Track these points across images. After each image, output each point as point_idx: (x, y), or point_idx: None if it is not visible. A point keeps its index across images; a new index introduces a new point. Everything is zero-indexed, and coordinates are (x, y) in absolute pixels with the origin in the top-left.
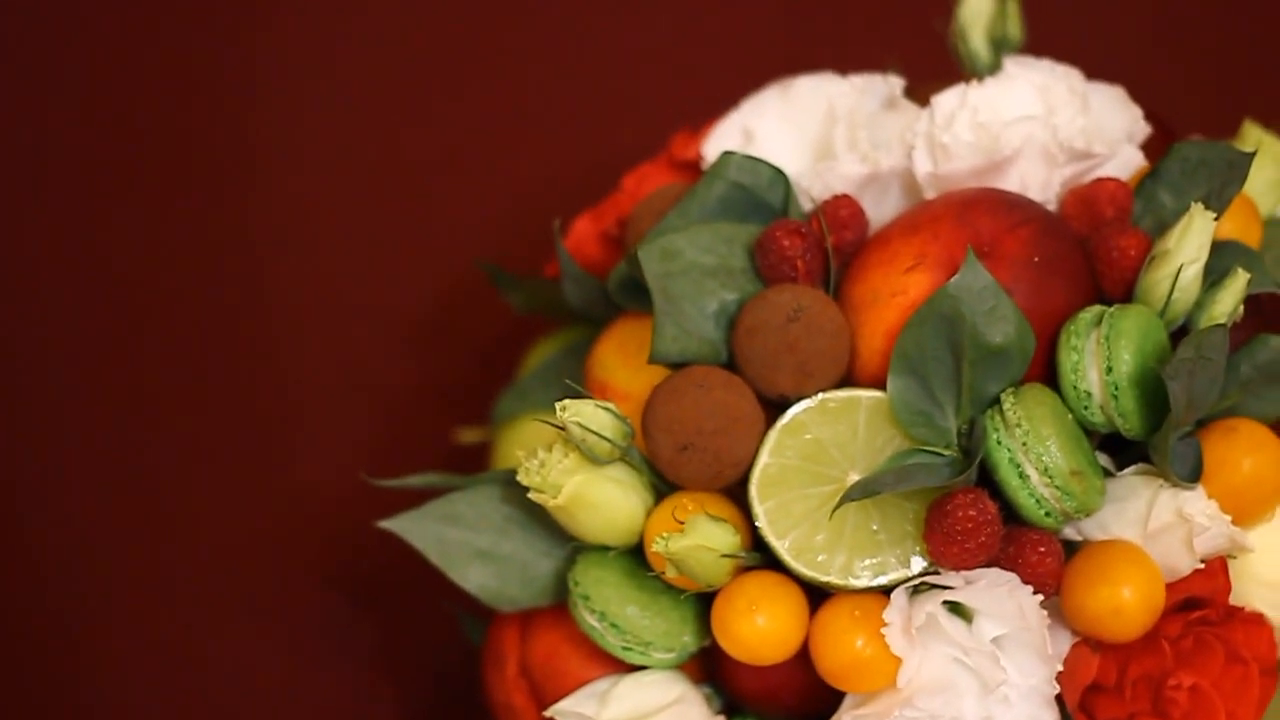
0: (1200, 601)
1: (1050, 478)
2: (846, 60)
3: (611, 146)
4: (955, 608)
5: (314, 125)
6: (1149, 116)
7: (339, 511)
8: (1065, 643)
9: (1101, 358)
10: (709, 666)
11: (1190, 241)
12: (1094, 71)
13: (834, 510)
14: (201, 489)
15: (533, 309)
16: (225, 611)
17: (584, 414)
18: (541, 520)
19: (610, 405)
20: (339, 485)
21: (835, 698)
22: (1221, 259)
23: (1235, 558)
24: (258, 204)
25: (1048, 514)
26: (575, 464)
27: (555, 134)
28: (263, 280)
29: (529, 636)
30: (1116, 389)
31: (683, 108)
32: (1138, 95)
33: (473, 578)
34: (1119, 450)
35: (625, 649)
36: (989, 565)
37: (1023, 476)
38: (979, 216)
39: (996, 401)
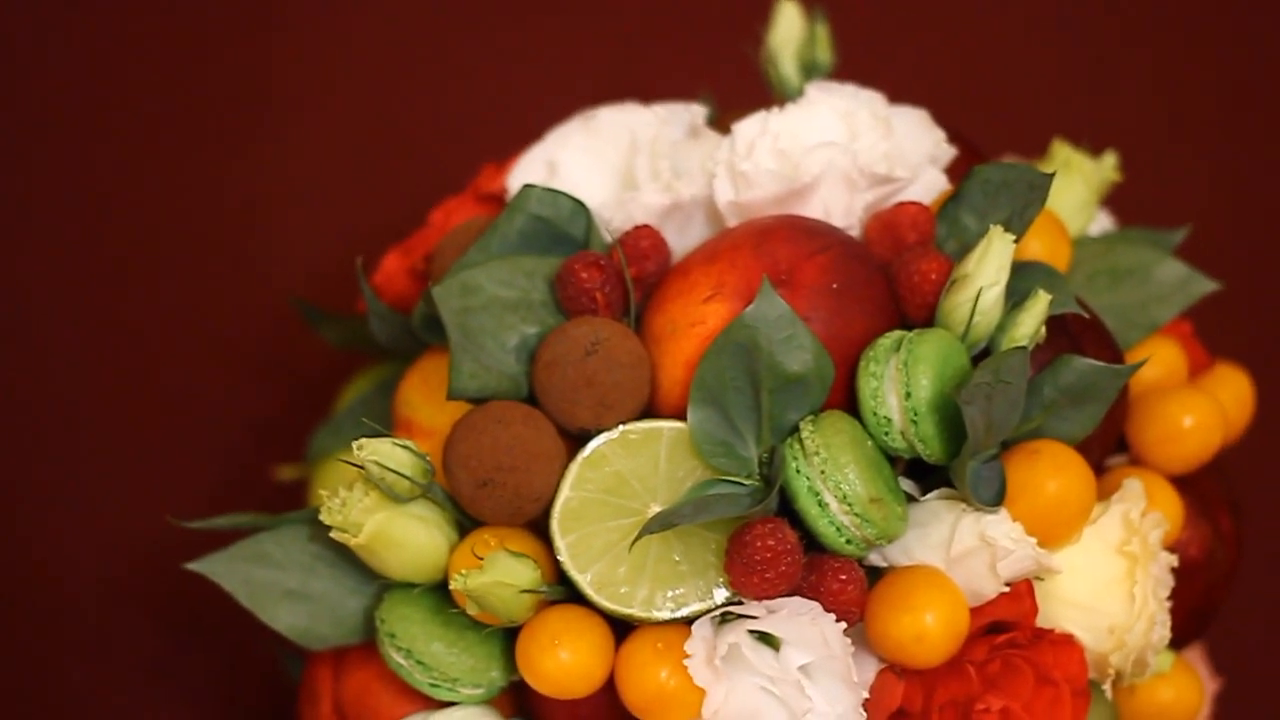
0: (1007, 625)
1: (849, 505)
2: (659, 90)
3: (430, 180)
4: (765, 637)
5: (135, 157)
6: (955, 139)
7: (166, 551)
8: (871, 669)
9: (900, 383)
10: (520, 702)
11: (990, 264)
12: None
13: (633, 543)
14: (24, 525)
15: (348, 345)
16: (51, 652)
17: (381, 452)
18: (349, 559)
19: (409, 443)
20: (163, 524)
21: None
22: (1025, 280)
23: (1043, 580)
24: (76, 232)
25: (849, 541)
26: (376, 502)
27: (379, 166)
28: (85, 316)
29: (341, 674)
30: (916, 414)
31: (500, 140)
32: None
33: (282, 618)
34: (924, 475)
35: (433, 685)
36: (791, 594)
37: (822, 505)
38: (777, 244)
39: (797, 429)
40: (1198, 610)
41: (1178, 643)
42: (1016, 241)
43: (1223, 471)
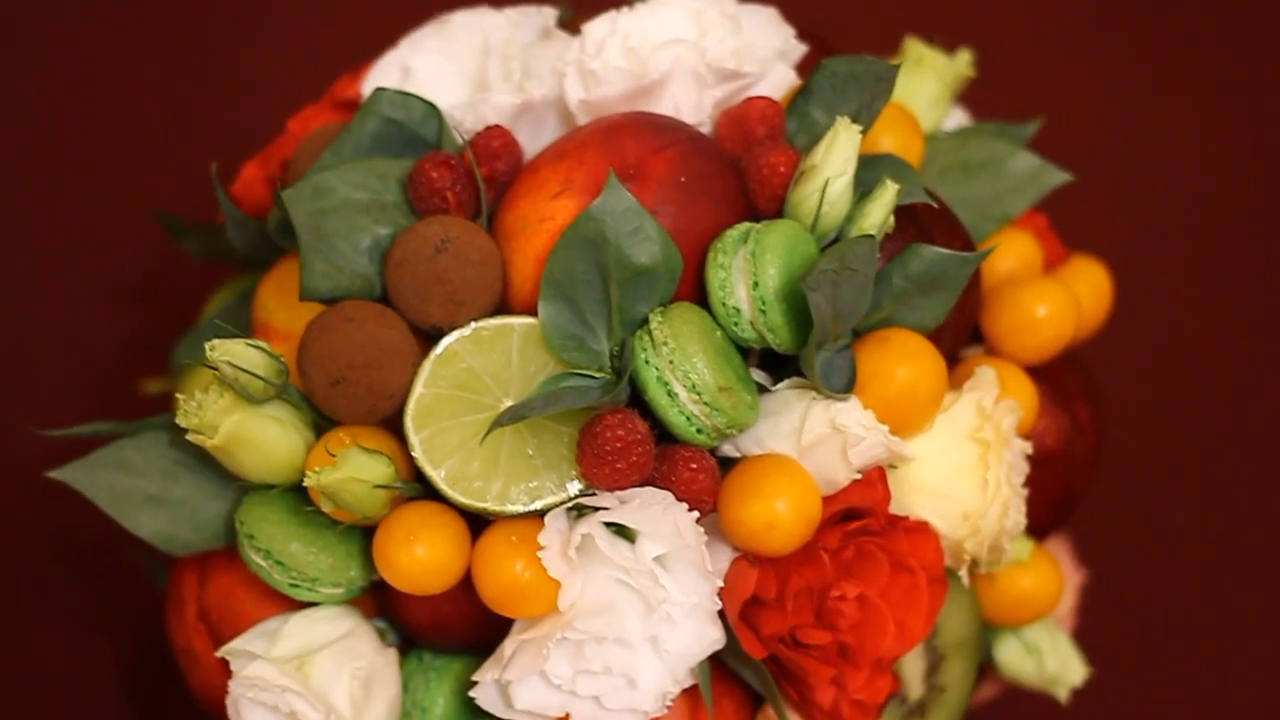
0: (860, 512)
1: (698, 394)
2: None
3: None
4: (622, 530)
5: None
6: (805, 35)
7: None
8: (726, 559)
9: (749, 273)
10: (382, 601)
11: (836, 155)
12: None
13: (485, 436)
14: None
15: (209, 256)
16: None
17: (234, 353)
18: (210, 464)
19: (261, 344)
20: (36, 442)
21: (505, 625)
22: (874, 172)
23: (896, 468)
24: None
25: (699, 431)
26: (231, 404)
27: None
28: None
29: (206, 580)
30: (764, 304)
31: (359, 48)
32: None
33: (144, 524)
34: (777, 366)
35: (293, 586)
36: (644, 485)
37: (671, 394)
38: (624, 140)
39: (647, 321)
40: (1058, 500)
41: (1039, 533)
42: (864, 133)
43: (1080, 363)
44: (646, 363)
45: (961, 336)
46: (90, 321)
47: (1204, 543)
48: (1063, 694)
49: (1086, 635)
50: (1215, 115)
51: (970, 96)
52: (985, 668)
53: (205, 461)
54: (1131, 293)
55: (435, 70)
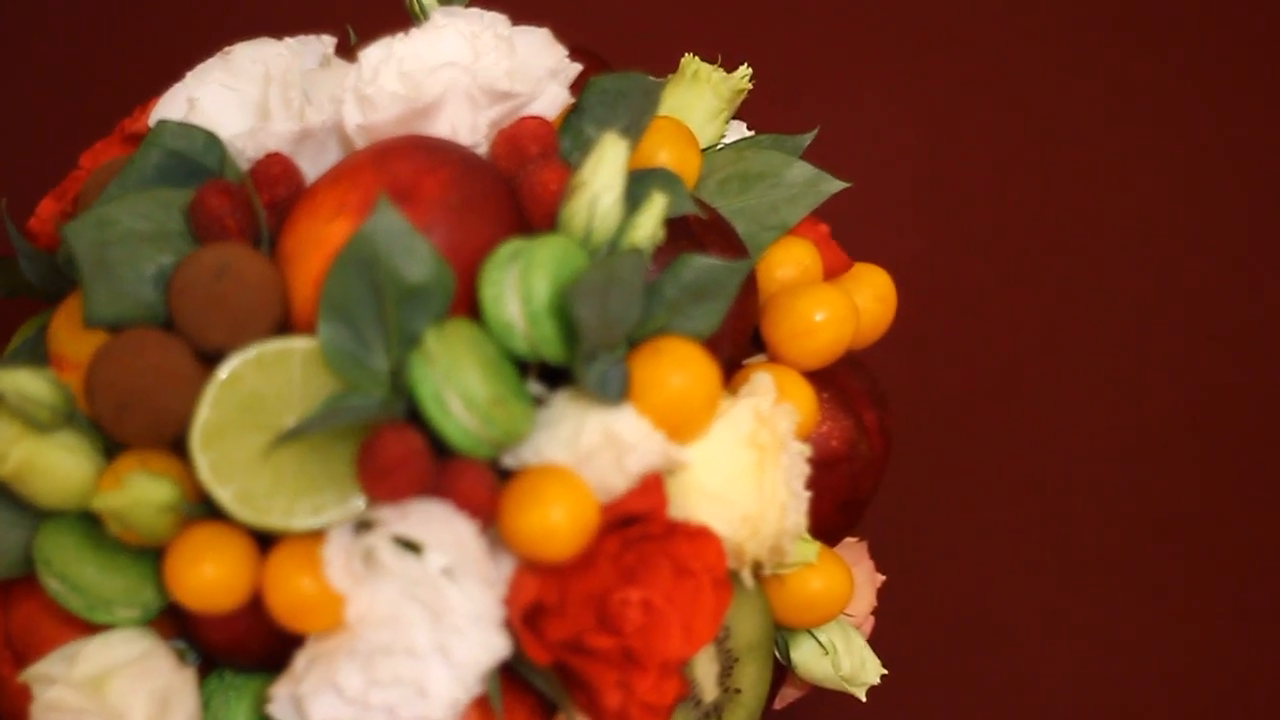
0: (639, 518)
1: (473, 407)
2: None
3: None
4: (410, 545)
5: None
6: (580, 54)
7: None
8: (509, 567)
9: (520, 289)
10: (180, 623)
11: (604, 170)
12: None
13: (267, 453)
14: None
15: (14, 292)
16: None
17: (18, 382)
18: (8, 493)
19: (46, 372)
20: None
21: (300, 642)
22: (645, 186)
23: (674, 473)
24: None
25: (476, 443)
26: (19, 433)
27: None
28: None
29: (9, 607)
30: (535, 318)
31: (154, 83)
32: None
33: None
34: (559, 379)
35: (90, 609)
36: (424, 497)
37: (446, 408)
38: (397, 162)
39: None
40: (846, 502)
41: (831, 536)
42: (633, 147)
43: (865, 368)
44: (422, 378)
45: (741, 344)
46: None
47: (1004, 543)
48: (860, 693)
49: (885, 637)
50: (1007, 117)
51: (752, 112)
52: (784, 669)
53: (3, 491)
54: (924, 297)
55: (219, 101)
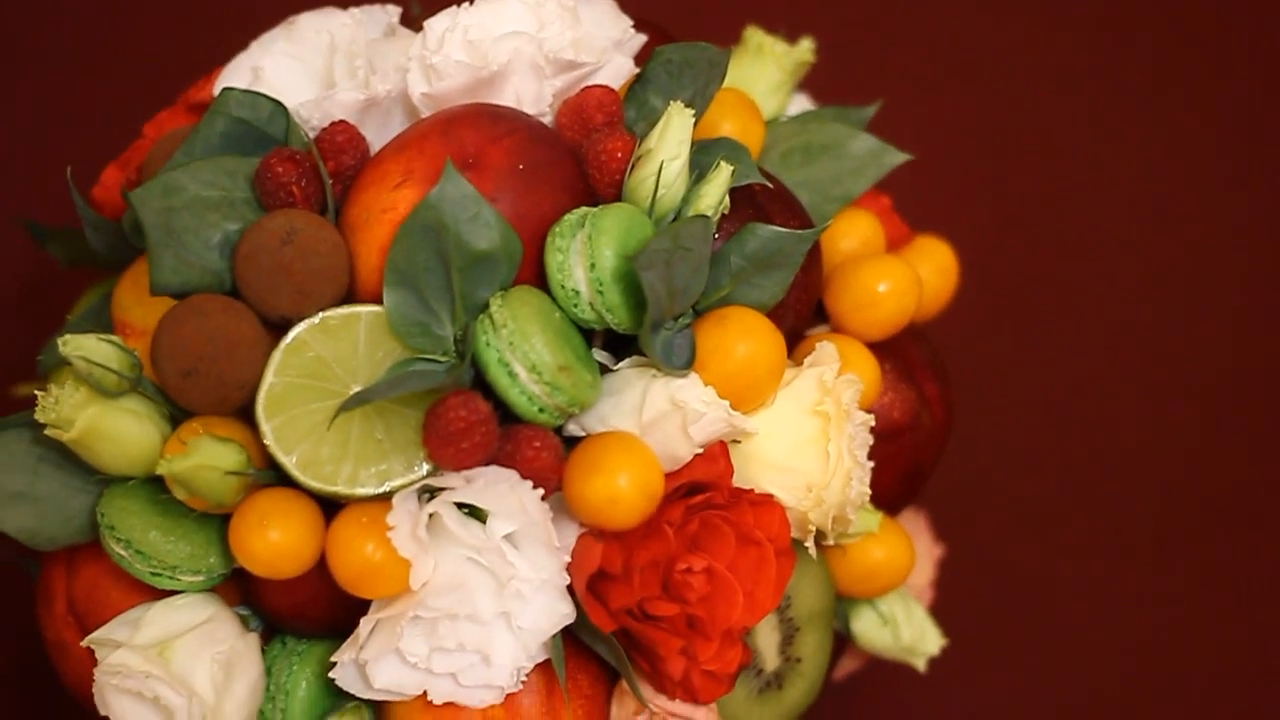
0: (703, 486)
1: (538, 374)
2: None
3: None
4: (474, 510)
5: None
6: (644, 25)
7: None
8: (573, 535)
9: (586, 256)
10: (244, 589)
11: (670, 138)
12: None
13: (333, 420)
14: None
15: (75, 261)
16: None
17: (86, 347)
18: (73, 459)
19: (113, 338)
20: None
21: (363, 608)
22: (710, 156)
23: (738, 442)
24: None
25: (541, 410)
26: (86, 398)
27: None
28: None
29: (73, 573)
30: (601, 285)
31: (215, 53)
32: None
33: (10, 520)
34: (622, 347)
35: (154, 574)
36: (489, 464)
37: (512, 375)
38: (463, 130)
39: (488, 306)
40: (907, 473)
41: (892, 506)
42: (698, 117)
43: (926, 339)
44: (488, 345)
45: (804, 314)
46: None
47: (1062, 516)
48: (920, 664)
49: (945, 608)
50: (1071, 88)
51: (815, 83)
52: (844, 640)
53: (69, 457)
54: (984, 272)
55: (284, 70)
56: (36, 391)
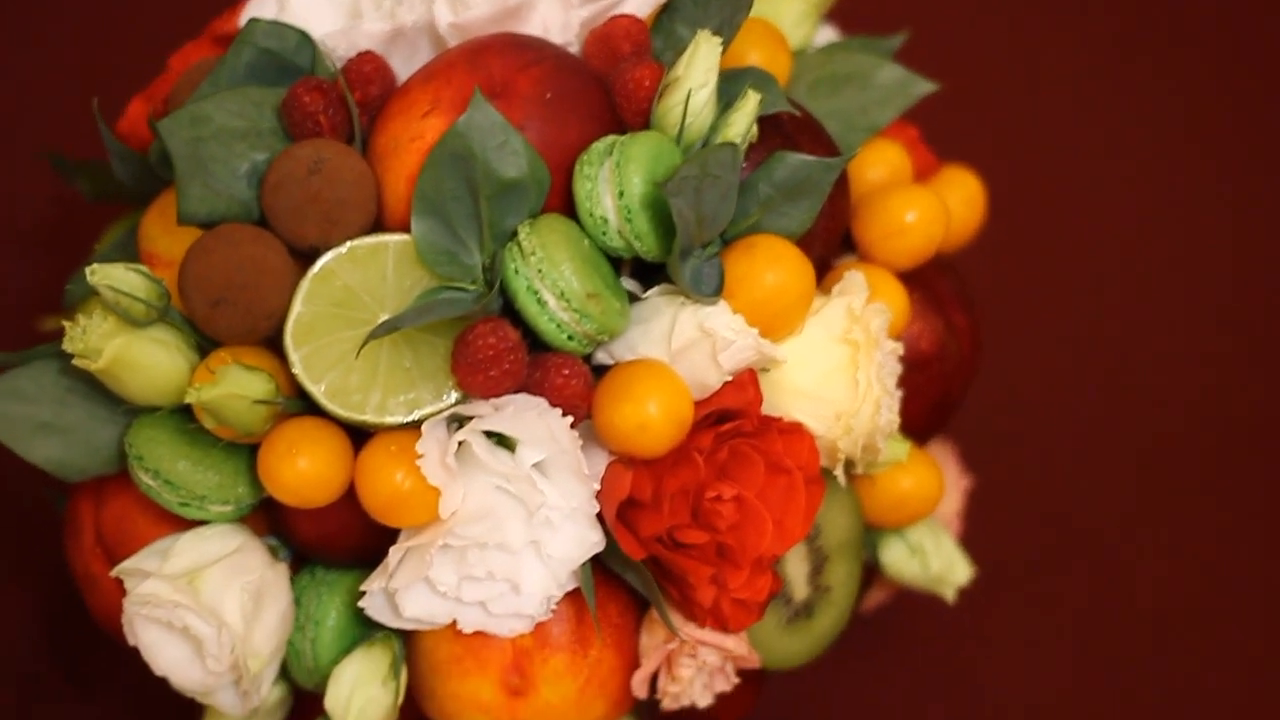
0: (732, 414)
1: (567, 301)
2: None
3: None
4: (503, 439)
5: None
6: None
7: None
8: (603, 462)
9: (614, 183)
10: (273, 520)
11: (698, 67)
12: None
13: (361, 348)
14: None
15: (101, 195)
16: None
17: (113, 277)
18: (101, 390)
19: (141, 267)
20: None
21: (392, 538)
22: (737, 85)
23: (767, 370)
24: None
25: (570, 337)
26: (114, 327)
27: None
28: None
29: (101, 504)
30: (629, 212)
31: None
32: None
33: (38, 451)
34: (650, 275)
35: (182, 504)
36: (518, 392)
37: (540, 302)
38: (490, 59)
39: (516, 234)
40: (936, 402)
41: (920, 436)
42: (726, 45)
43: (954, 270)
44: (516, 273)
45: (832, 244)
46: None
47: (1089, 448)
48: (949, 594)
49: (973, 539)
50: (1101, 18)
51: (842, 14)
52: (873, 571)
53: (97, 388)
54: (1012, 203)
55: (309, 1)
56: (64, 322)
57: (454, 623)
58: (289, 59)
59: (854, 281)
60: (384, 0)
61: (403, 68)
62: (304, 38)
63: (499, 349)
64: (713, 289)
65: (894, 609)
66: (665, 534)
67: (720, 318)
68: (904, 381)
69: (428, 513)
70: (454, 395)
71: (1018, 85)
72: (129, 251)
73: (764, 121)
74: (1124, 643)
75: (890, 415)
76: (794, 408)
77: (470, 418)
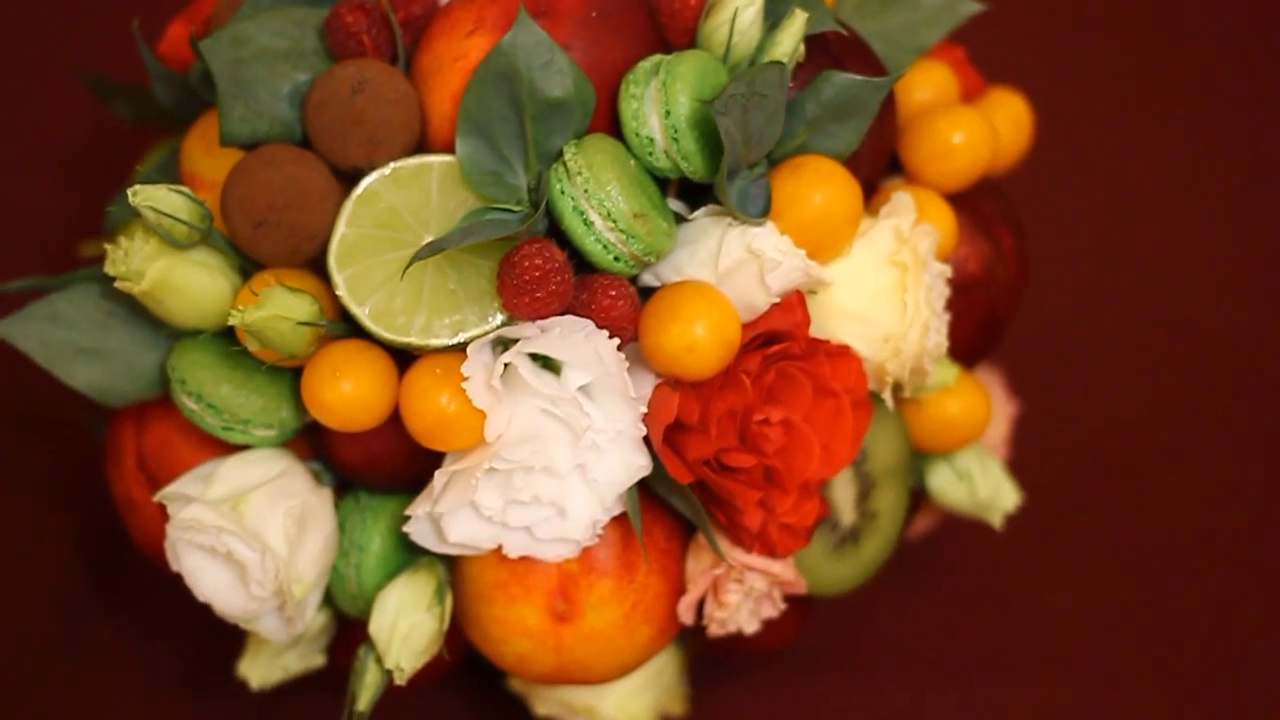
0: (780, 336)
1: (614, 221)
2: None
3: None
4: (548, 363)
5: None
6: None
7: None
8: (650, 385)
9: (660, 103)
10: (317, 445)
11: None
12: None
13: (405, 269)
14: None
15: (142, 119)
16: None
17: (156, 198)
18: (143, 314)
19: (183, 188)
20: None
21: (436, 462)
22: (784, 4)
23: (815, 293)
24: None
25: (616, 258)
26: (157, 249)
27: None
28: None
29: (143, 429)
30: (676, 132)
31: None
32: None
33: (79, 375)
34: (696, 197)
35: (225, 429)
36: (564, 314)
37: (587, 223)
38: None
39: (562, 154)
40: (984, 324)
41: (969, 359)
42: None
43: (1001, 192)
44: (562, 193)
45: (879, 165)
46: (31, 194)
47: (1136, 372)
48: (996, 520)
49: (1020, 466)
50: None
51: None
52: (920, 499)
53: (138, 312)
54: (1062, 125)
55: None
56: (106, 245)
57: (499, 548)
58: None
59: (901, 203)
60: None
61: None
62: None
63: (545, 270)
64: (760, 209)
65: (940, 534)
66: (712, 457)
67: (768, 239)
68: (951, 304)
69: (473, 436)
70: (499, 317)
71: (1066, 5)
72: (171, 174)
73: (811, 41)
74: (1172, 571)
75: (939, 338)
76: (841, 330)
77: (516, 340)
